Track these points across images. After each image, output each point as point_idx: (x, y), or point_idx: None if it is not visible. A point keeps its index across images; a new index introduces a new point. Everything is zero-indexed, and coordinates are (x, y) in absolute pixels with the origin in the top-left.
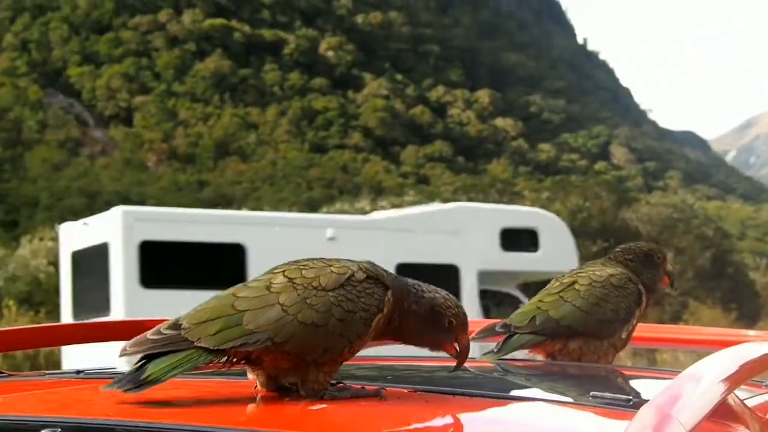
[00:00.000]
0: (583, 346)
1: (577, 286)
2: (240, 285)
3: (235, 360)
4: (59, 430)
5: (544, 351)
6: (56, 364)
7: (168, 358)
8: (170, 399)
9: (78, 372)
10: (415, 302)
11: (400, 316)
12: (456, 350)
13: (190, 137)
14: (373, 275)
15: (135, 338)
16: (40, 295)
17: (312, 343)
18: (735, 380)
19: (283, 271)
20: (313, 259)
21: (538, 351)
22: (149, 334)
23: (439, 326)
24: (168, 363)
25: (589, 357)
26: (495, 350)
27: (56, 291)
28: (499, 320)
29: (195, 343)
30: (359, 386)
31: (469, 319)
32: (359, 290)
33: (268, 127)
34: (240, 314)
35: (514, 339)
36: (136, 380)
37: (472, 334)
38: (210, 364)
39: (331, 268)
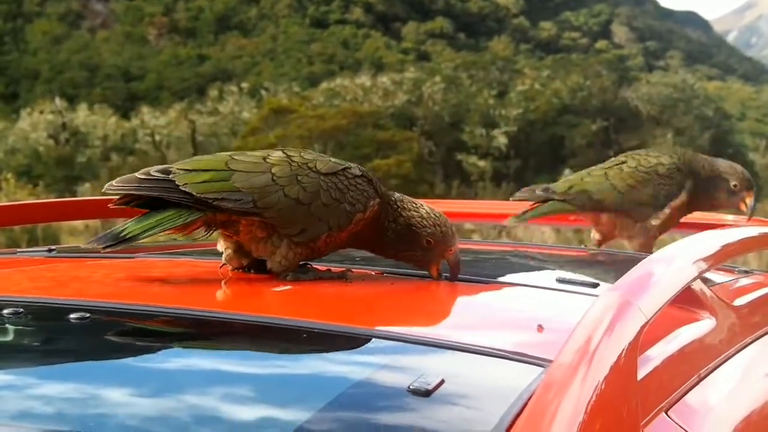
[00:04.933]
0: (615, 223)
1: (624, 167)
2: (239, 152)
3: (212, 226)
4: (21, 310)
5: (575, 221)
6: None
7: (147, 216)
8: (135, 279)
9: (50, 250)
10: (393, 218)
11: (379, 228)
12: (437, 272)
13: (191, 11)
14: (368, 177)
15: (123, 176)
16: (39, 168)
17: (291, 218)
18: (701, 266)
19: (284, 149)
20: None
21: (568, 220)
22: (138, 174)
23: (417, 245)
24: (147, 222)
25: (621, 233)
26: (521, 214)
27: (55, 164)
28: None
29: (180, 187)
30: (325, 268)
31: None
32: (350, 183)
33: (269, 1)
34: (231, 172)
35: (546, 205)
36: (114, 237)
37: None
38: (186, 229)
39: (331, 159)
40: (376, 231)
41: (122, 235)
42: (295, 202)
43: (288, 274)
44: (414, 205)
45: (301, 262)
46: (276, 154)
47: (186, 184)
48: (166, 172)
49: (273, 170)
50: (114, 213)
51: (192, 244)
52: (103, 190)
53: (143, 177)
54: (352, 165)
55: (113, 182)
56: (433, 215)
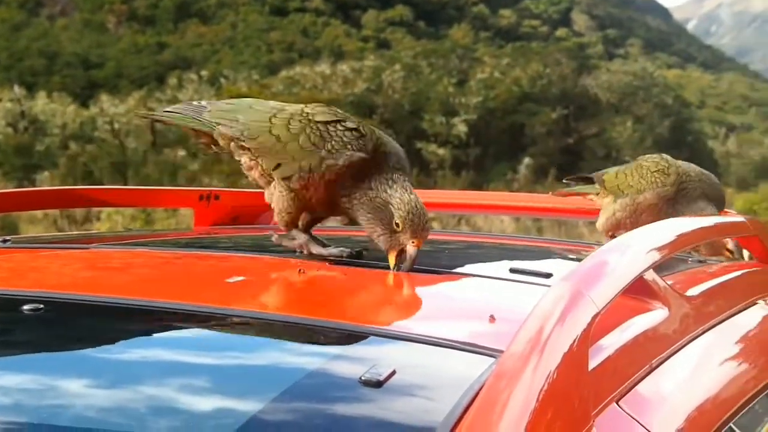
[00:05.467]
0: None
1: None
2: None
3: (216, 144)
4: None
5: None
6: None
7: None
8: (90, 269)
9: (4, 241)
10: (375, 187)
11: (357, 188)
12: (394, 258)
13: None
14: (365, 134)
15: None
16: None
17: (268, 152)
18: (654, 256)
19: (313, 105)
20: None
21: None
22: (184, 102)
23: (387, 224)
24: (181, 117)
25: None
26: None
27: (14, 152)
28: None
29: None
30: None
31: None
32: (337, 134)
33: None
34: (244, 111)
35: (578, 186)
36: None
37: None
38: (198, 135)
39: (340, 113)
40: (353, 189)
41: (157, 114)
42: (275, 139)
43: (284, 229)
44: (403, 186)
45: (304, 227)
46: (294, 107)
47: (210, 111)
48: (201, 107)
49: (275, 113)
50: (72, 203)
51: (148, 234)
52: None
53: (186, 105)
54: (353, 119)
55: (163, 109)
56: (413, 203)
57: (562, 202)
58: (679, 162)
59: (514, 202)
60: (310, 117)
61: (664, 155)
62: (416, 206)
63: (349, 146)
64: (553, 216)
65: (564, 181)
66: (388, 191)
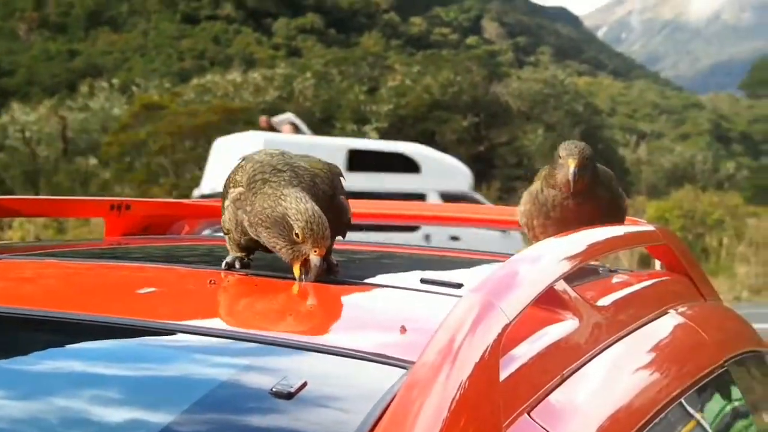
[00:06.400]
0: None
1: None
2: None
3: None
4: None
5: None
6: None
7: None
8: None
9: None
10: (269, 204)
11: (257, 206)
12: (299, 269)
13: (62, 6)
14: (249, 164)
15: None
16: None
17: None
18: (565, 266)
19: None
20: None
21: None
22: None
23: (287, 237)
24: None
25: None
26: None
27: None
28: None
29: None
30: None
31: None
32: (238, 166)
33: None
34: None
35: None
36: None
37: None
38: None
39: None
40: (254, 206)
41: None
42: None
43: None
44: (297, 196)
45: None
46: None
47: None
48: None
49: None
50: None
51: (59, 245)
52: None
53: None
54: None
55: None
56: (310, 212)
57: (474, 211)
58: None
59: (426, 211)
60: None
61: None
62: (314, 215)
63: (238, 174)
64: (465, 225)
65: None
66: (283, 204)
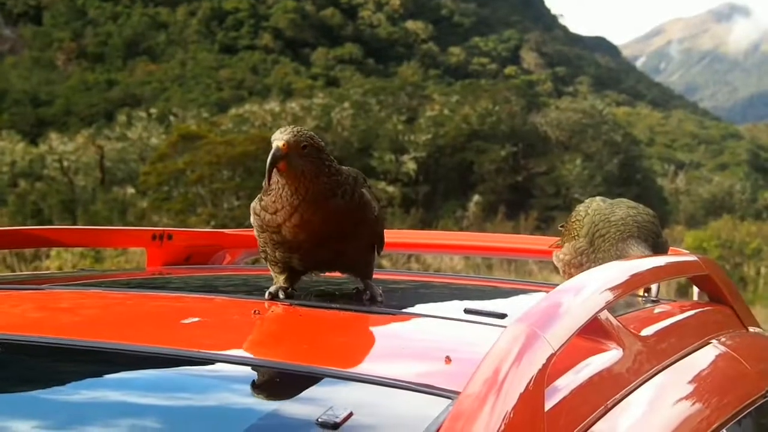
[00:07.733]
0: None
1: None
2: None
3: None
4: None
5: None
6: None
7: None
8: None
9: None
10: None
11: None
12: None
13: (100, 36)
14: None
15: None
16: None
17: None
18: (608, 297)
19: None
20: None
21: None
22: None
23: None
24: None
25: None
26: None
27: None
28: None
29: None
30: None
31: None
32: None
33: (178, 26)
34: None
35: None
36: None
37: None
38: None
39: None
40: None
41: None
42: None
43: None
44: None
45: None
46: None
47: None
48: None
49: None
50: (26, 243)
51: (102, 275)
52: None
53: None
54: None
55: None
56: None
57: (512, 241)
58: (600, 205)
59: (465, 241)
60: None
61: (597, 199)
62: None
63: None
64: (503, 255)
65: (560, 227)
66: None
